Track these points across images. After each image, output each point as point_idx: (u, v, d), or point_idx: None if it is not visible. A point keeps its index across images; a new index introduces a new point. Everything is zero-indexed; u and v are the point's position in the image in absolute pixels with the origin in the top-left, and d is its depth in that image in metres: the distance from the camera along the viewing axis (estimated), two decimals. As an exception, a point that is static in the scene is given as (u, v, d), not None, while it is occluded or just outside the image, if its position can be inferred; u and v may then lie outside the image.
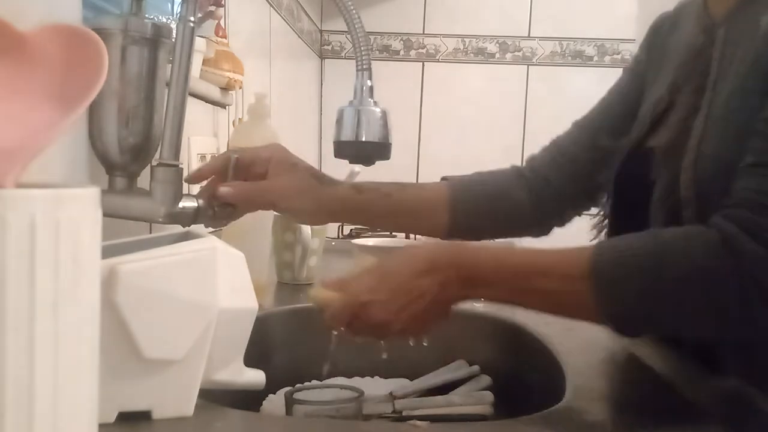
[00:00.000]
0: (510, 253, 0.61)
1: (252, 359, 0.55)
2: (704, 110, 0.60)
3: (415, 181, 2.33)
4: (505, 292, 0.59)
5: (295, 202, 0.71)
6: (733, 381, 0.59)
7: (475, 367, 0.84)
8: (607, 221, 0.77)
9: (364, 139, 0.78)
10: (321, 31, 2.32)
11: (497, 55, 2.32)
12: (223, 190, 0.69)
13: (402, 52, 2.34)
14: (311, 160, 2.22)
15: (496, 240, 0.86)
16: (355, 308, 0.59)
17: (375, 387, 0.80)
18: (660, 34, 0.79)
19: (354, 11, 0.75)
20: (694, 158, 0.58)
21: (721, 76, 0.60)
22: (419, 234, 0.96)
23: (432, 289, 0.58)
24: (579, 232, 0.84)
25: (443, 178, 0.84)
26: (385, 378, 0.84)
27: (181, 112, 0.66)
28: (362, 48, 0.76)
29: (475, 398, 0.76)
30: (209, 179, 0.72)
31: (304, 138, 2.11)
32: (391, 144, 0.80)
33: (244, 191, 0.70)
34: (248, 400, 0.67)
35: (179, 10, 0.67)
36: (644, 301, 0.53)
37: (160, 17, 1.02)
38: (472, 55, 2.33)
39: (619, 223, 0.74)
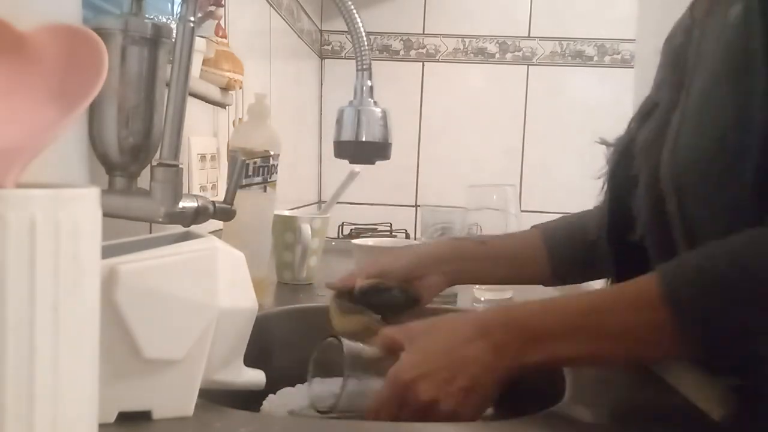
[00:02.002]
0: (566, 300, 0.57)
1: (252, 359, 0.55)
2: (681, 105, 0.61)
3: (415, 181, 2.35)
4: (574, 342, 0.52)
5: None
6: (733, 382, 0.59)
7: (475, 367, 0.84)
8: (606, 219, 0.77)
9: (364, 139, 0.78)
10: (321, 31, 2.31)
11: (497, 55, 2.32)
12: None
13: (402, 52, 2.34)
14: (311, 160, 2.23)
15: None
16: (400, 391, 0.53)
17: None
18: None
19: (354, 11, 0.75)
20: (671, 150, 0.59)
21: (696, 72, 0.61)
22: (520, 283, 0.87)
23: (484, 357, 0.53)
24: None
25: (533, 227, 0.83)
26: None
27: (181, 112, 0.66)
28: (362, 48, 0.76)
29: (475, 398, 0.76)
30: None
31: (304, 138, 2.11)
32: (391, 144, 0.80)
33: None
34: (248, 400, 0.67)
35: (179, 10, 0.67)
36: (733, 313, 0.48)
37: (160, 17, 1.02)
38: (472, 55, 2.33)
39: (615, 220, 0.75)
